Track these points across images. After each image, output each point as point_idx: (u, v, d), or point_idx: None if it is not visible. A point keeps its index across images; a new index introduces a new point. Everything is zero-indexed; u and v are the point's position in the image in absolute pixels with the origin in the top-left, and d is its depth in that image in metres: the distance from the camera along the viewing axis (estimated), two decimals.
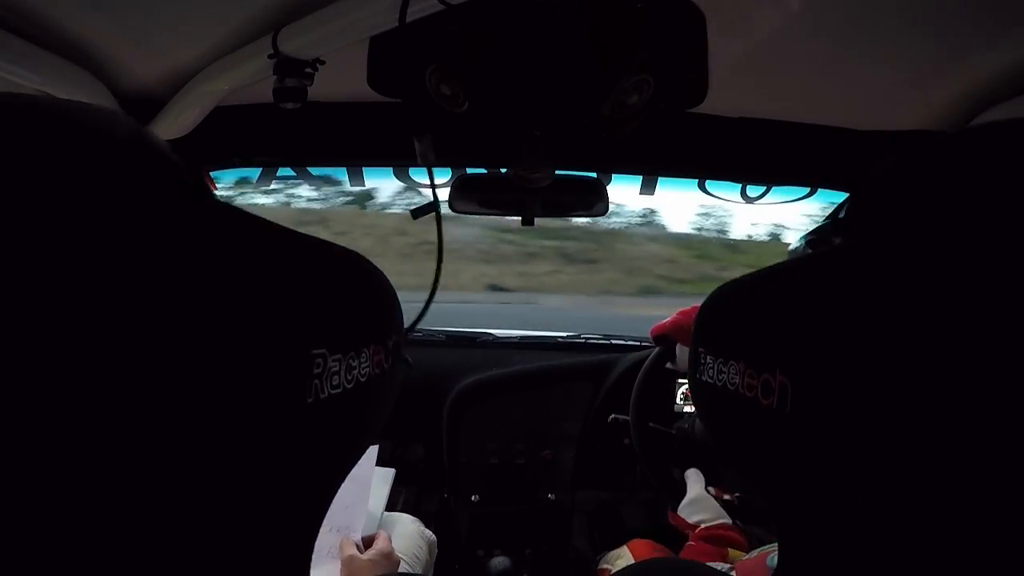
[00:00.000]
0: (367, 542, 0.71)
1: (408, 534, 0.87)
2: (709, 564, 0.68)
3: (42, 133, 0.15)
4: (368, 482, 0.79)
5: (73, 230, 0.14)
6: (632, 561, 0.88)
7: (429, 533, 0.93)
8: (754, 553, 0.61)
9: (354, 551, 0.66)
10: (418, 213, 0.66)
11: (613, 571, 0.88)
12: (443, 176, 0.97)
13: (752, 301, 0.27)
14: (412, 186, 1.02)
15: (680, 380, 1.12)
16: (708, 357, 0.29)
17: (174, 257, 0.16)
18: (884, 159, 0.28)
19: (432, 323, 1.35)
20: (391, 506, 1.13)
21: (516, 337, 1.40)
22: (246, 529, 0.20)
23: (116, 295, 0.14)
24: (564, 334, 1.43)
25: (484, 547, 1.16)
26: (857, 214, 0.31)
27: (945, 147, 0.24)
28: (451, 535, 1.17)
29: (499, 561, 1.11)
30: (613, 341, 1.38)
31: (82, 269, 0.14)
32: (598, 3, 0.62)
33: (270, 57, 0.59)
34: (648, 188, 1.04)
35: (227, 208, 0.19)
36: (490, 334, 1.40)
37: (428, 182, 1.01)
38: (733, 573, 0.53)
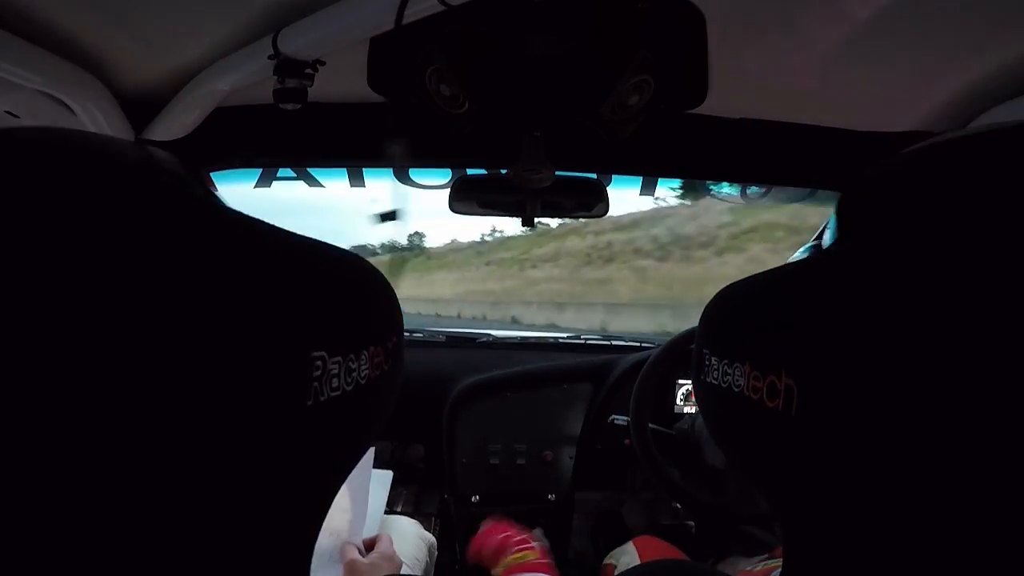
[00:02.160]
0: (368, 545, 0.71)
1: (407, 536, 0.87)
2: None
3: (50, 164, 0.16)
4: (367, 485, 0.78)
5: (78, 242, 0.14)
6: (636, 557, 0.88)
7: (428, 535, 0.93)
8: (758, 567, 0.61)
9: (355, 555, 0.66)
10: (384, 219, 0.61)
11: (618, 568, 0.88)
12: (443, 177, 0.97)
13: (758, 302, 0.27)
14: (413, 186, 1.02)
15: (680, 381, 1.12)
16: (713, 359, 0.29)
17: (177, 265, 0.16)
18: (875, 162, 0.28)
19: None
20: (391, 508, 1.13)
21: (516, 338, 1.40)
22: (246, 532, 0.20)
23: (120, 303, 0.14)
24: (564, 335, 1.43)
25: None
26: (848, 215, 0.31)
27: (944, 147, 0.24)
28: (451, 536, 1.16)
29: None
30: (613, 342, 1.38)
31: (88, 279, 0.14)
32: (599, 3, 0.62)
33: (270, 58, 0.59)
34: (648, 189, 1.04)
35: (226, 212, 0.19)
36: (490, 334, 1.40)
37: (428, 183, 1.01)
38: None
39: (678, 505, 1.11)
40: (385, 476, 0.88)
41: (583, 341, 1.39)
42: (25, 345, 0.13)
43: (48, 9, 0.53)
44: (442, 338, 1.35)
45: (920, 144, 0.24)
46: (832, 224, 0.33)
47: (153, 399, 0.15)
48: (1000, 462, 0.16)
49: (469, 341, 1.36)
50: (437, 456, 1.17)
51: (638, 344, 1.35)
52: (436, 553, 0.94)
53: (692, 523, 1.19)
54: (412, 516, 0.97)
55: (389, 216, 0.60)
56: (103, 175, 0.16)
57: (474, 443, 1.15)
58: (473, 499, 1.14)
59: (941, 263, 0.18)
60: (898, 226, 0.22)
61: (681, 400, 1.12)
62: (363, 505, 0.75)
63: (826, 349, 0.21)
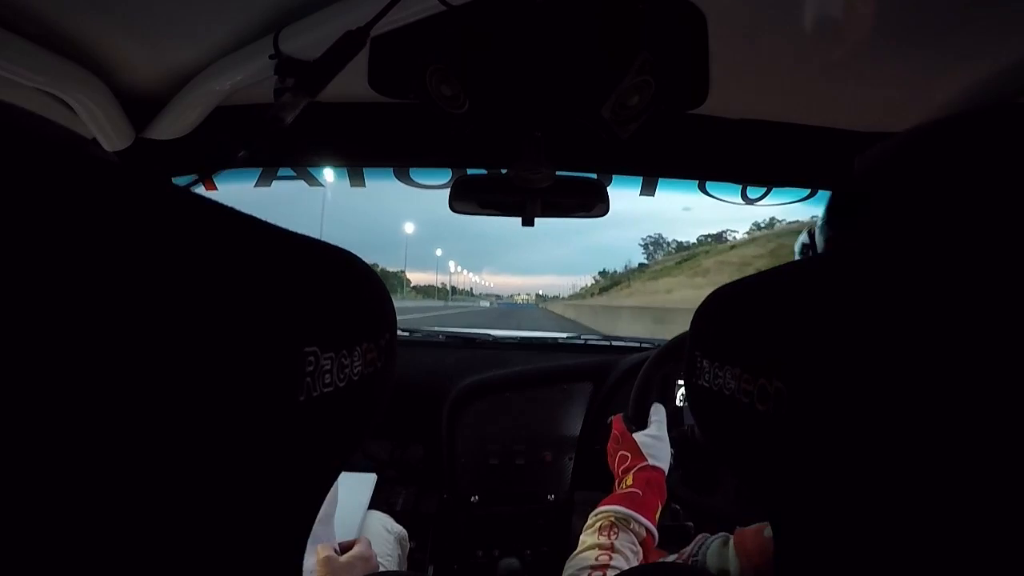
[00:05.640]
0: (346, 548, 0.70)
1: (376, 532, 0.86)
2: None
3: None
4: (335, 492, 0.76)
5: (67, 236, 0.14)
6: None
7: (399, 528, 0.92)
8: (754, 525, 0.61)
9: (331, 552, 0.66)
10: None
11: None
12: (443, 177, 0.98)
13: (748, 305, 0.27)
14: (413, 186, 1.02)
15: (680, 381, 1.12)
16: (704, 361, 0.29)
17: (168, 259, 0.16)
18: (864, 155, 0.27)
19: None
20: (390, 507, 1.13)
21: (516, 338, 1.40)
22: (239, 528, 0.20)
23: (111, 298, 0.14)
24: (564, 335, 1.43)
25: (483, 548, 1.16)
26: (839, 211, 0.30)
27: (924, 140, 0.24)
28: (450, 536, 1.16)
29: (508, 562, 1.11)
30: (613, 343, 1.38)
31: (62, 273, 0.14)
32: (599, 4, 0.62)
33: (271, 57, 0.59)
34: (648, 189, 1.04)
35: (214, 207, 0.19)
36: (489, 334, 1.41)
37: (429, 184, 1.01)
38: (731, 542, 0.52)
39: (677, 506, 1.11)
40: (368, 479, 0.87)
41: (583, 341, 1.39)
42: (24, 345, 0.13)
43: (49, 8, 0.53)
44: (441, 338, 1.35)
45: (902, 137, 0.24)
46: (821, 223, 0.33)
47: (142, 396, 0.15)
48: (990, 462, 0.16)
49: (468, 341, 1.36)
50: (436, 456, 1.17)
51: (638, 344, 1.35)
52: (408, 545, 0.93)
53: (691, 524, 1.19)
54: (412, 516, 0.96)
55: None
56: (91, 170, 0.16)
57: (473, 443, 1.15)
58: (472, 499, 1.14)
59: (929, 268, 0.18)
60: (886, 229, 0.22)
61: (681, 400, 1.12)
62: (333, 505, 0.75)
63: (817, 353, 0.21)
